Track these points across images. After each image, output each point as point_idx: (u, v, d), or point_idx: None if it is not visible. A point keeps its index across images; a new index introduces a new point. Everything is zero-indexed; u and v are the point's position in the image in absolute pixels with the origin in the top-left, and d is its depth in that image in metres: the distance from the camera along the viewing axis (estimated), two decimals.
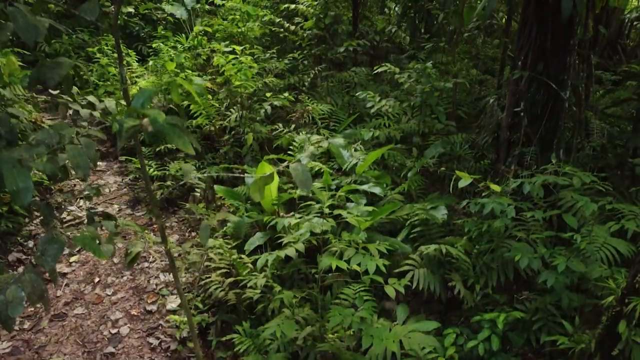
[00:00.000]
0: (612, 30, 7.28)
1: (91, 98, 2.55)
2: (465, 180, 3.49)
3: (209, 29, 6.00)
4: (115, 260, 4.05)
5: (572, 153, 4.19)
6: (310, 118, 4.90)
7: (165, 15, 6.99)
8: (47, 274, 3.05)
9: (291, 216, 3.03)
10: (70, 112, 2.46)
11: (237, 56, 4.72)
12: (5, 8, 1.51)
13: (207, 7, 6.64)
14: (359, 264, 2.54)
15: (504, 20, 6.24)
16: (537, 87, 4.06)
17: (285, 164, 1.70)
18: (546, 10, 3.71)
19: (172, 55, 5.64)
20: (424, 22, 6.86)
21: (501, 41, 5.27)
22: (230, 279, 3.35)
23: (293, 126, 4.83)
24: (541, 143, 4.11)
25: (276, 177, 3.70)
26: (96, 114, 2.36)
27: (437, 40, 5.82)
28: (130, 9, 7.12)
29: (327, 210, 3.22)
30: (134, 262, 2.27)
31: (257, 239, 3.56)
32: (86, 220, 1.98)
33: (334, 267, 2.55)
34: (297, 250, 2.74)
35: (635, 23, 7.36)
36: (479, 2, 5.75)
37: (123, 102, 1.79)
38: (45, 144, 1.37)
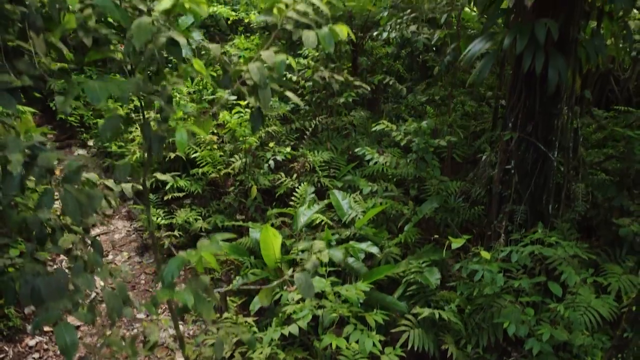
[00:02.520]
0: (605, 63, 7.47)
1: (110, 183, 2.74)
2: (458, 243, 3.72)
3: (214, 73, 6.21)
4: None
5: (560, 209, 4.41)
6: (311, 166, 5.11)
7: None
8: None
9: (294, 290, 3.24)
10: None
11: (242, 110, 4.95)
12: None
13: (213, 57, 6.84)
14: (357, 341, 2.74)
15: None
16: (527, 146, 4.28)
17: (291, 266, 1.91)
18: (534, 78, 3.93)
19: (178, 99, 5.86)
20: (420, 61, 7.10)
21: (493, 93, 5.49)
22: (236, 338, 3.55)
23: (295, 175, 5.05)
24: (531, 199, 4.33)
25: (279, 237, 3.91)
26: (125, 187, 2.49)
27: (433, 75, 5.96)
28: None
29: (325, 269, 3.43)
30: (153, 350, 2.48)
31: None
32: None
33: (334, 347, 2.76)
34: (299, 327, 2.95)
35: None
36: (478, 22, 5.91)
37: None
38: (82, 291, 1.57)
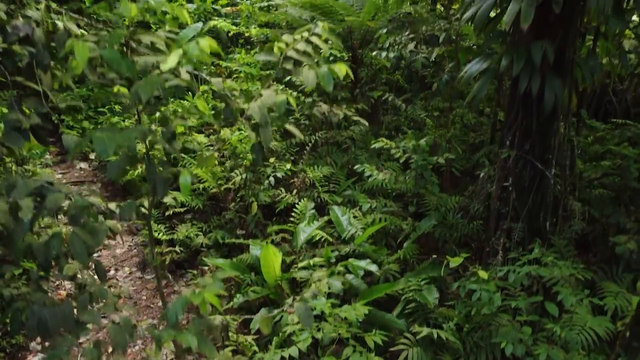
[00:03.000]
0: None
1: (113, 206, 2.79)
2: (456, 262, 3.77)
3: (214, 87, 6.28)
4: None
5: (558, 225, 4.45)
6: (311, 182, 5.16)
7: None
8: None
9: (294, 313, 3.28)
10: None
11: (242, 128, 4.99)
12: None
13: (213, 67, 6.92)
14: None
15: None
16: (524, 164, 4.33)
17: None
18: (530, 99, 3.98)
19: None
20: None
21: (492, 109, 5.55)
22: (238, 357, 3.59)
23: (295, 191, 5.10)
24: (529, 216, 4.37)
25: (279, 256, 3.95)
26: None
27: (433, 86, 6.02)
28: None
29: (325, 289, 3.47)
30: None
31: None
32: None
33: None
34: (299, 349, 2.99)
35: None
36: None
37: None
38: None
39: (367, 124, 2.54)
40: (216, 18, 8.35)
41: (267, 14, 6.62)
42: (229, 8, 8.68)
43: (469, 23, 4.22)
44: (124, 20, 1.64)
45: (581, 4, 3.69)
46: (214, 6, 8.93)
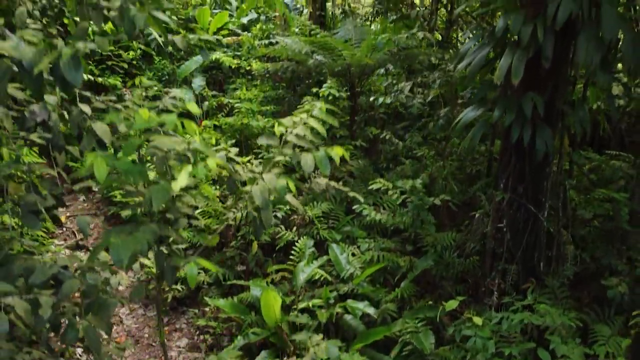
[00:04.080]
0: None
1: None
2: (451, 306, 3.88)
3: (217, 122, 6.44)
4: None
5: (552, 265, 4.56)
6: (310, 219, 5.28)
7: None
8: None
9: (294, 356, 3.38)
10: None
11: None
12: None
13: (214, 103, 7.07)
14: None
15: None
16: (518, 206, 4.45)
17: None
18: (522, 147, 4.11)
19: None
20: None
21: (486, 148, 5.69)
22: None
23: (295, 228, 5.21)
24: (523, 256, 4.48)
25: (279, 299, 4.05)
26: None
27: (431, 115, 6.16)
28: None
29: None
30: None
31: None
32: None
33: None
34: None
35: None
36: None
37: None
38: None
39: (362, 199, 2.65)
40: (217, 48, 8.54)
41: (267, 47, 6.79)
42: (230, 38, 8.86)
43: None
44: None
45: (570, 59, 3.84)
46: (215, 36, 9.12)
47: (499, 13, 4.31)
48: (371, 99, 4.73)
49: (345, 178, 5.70)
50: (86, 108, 2.10)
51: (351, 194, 2.37)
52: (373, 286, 4.64)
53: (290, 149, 1.99)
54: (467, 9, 4.67)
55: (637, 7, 3.80)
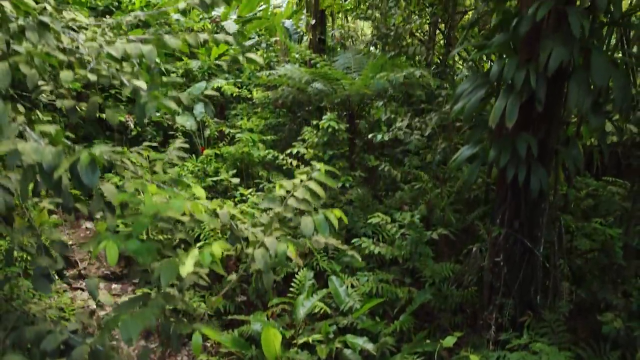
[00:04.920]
0: None
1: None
2: (449, 343, 3.95)
3: (218, 151, 6.54)
4: None
5: (548, 298, 4.63)
6: (309, 249, 5.35)
7: (177, 125, 7.52)
8: None
9: None
10: None
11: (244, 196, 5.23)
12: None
13: (215, 131, 7.18)
14: None
15: None
16: (514, 241, 4.53)
17: None
18: (518, 186, 4.19)
19: (184, 176, 6.16)
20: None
21: (484, 180, 5.78)
22: None
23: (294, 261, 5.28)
24: (520, 290, 4.55)
25: (279, 336, 4.11)
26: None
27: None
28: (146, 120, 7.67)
29: None
30: None
31: None
32: None
33: None
34: None
35: None
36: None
37: None
38: None
39: (359, 258, 2.74)
40: (218, 73, 8.68)
41: (268, 76, 6.92)
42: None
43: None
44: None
45: (562, 101, 3.95)
46: (217, 62, 9.26)
47: (493, 56, 4.43)
48: (370, 136, 4.85)
49: (344, 207, 5.79)
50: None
51: (350, 252, 2.46)
52: (372, 319, 4.70)
53: (291, 212, 2.08)
54: (462, 51, 4.80)
55: (629, 51, 3.91)
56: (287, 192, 2.13)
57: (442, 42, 7.10)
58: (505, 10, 4.20)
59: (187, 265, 1.68)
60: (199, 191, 2.05)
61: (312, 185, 2.14)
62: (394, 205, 6.21)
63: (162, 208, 1.70)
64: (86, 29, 2.12)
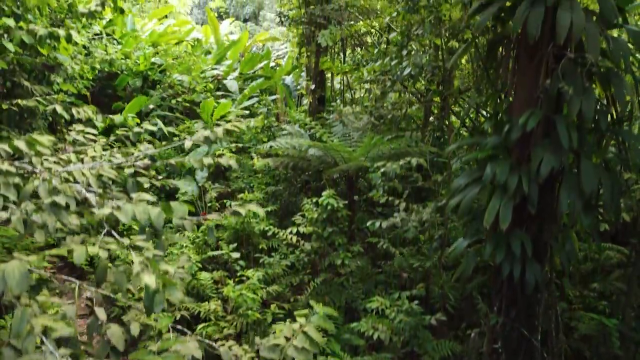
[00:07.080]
0: None
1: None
2: None
3: (218, 221, 6.64)
4: None
5: None
6: None
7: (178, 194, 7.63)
8: None
9: None
10: None
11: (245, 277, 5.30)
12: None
13: (215, 199, 7.31)
14: None
15: None
16: (512, 328, 4.57)
17: None
18: (513, 280, 4.25)
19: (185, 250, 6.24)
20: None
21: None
22: None
23: None
24: None
25: None
26: None
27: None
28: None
29: None
30: None
31: None
32: None
33: None
34: None
35: None
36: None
37: None
38: None
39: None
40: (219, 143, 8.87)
41: (269, 148, 7.09)
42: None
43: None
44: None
45: (555, 200, 4.06)
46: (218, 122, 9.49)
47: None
48: (368, 223, 4.96)
49: (344, 281, 5.85)
50: (101, 314, 2.28)
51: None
52: None
53: None
54: (457, 150, 4.98)
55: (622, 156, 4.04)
56: (286, 338, 2.21)
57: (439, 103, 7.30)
58: (496, 120, 4.31)
59: None
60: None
61: (311, 332, 2.21)
62: (394, 272, 6.26)
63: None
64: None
